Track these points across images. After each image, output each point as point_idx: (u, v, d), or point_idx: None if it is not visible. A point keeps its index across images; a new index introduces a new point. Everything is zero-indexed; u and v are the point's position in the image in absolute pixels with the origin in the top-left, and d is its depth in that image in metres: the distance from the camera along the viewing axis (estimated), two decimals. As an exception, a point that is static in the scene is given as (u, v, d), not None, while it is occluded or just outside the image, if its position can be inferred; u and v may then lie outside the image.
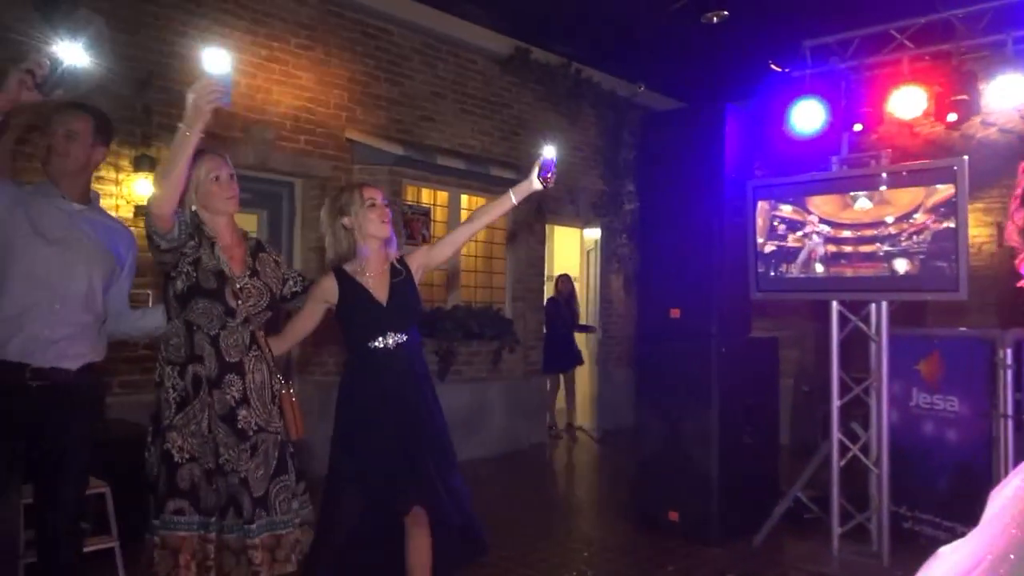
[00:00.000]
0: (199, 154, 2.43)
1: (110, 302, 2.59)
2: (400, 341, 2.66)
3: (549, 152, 2.67)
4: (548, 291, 7.77)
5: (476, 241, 6.86)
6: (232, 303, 2.36)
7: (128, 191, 4.59)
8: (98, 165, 2.68)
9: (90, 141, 2.47)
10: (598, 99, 7.72)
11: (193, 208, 2.41)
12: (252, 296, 2.43)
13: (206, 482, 2.31)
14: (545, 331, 7.38)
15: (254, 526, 2.31)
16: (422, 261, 2.84)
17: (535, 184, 2.67)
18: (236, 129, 5.11)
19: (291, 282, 2.65)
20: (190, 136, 2.07)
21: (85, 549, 3.21)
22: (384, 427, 2.59)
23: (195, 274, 2.34)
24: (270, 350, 2.50)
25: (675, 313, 4.38)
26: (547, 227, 7.58)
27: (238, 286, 2.40)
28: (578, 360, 7.68)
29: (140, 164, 4.57)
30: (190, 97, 2.03)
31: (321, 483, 2.63)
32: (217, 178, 2.41)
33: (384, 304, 2.67)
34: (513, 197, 2.73)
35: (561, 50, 7.15)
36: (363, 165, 5.81)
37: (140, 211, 4.58)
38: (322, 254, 5.45)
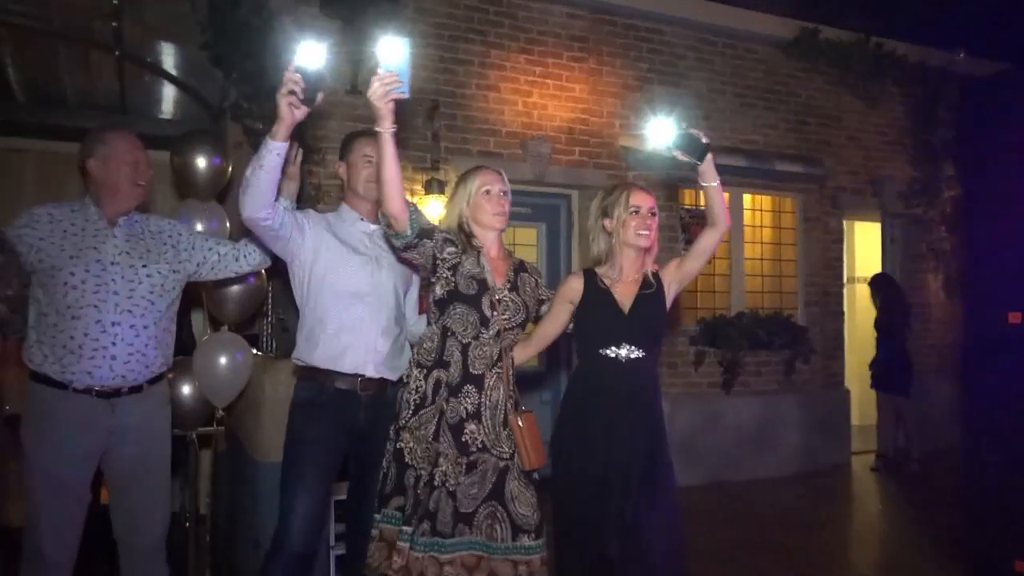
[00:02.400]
0: (477, 169, 2.53)
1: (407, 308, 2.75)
2: (635, 356, 2.50)
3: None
4: (848, 294, 6.96)
5: (761, 242, 6.41)
6: (488, 312, 2.38)
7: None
8: None
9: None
10: (904, 74, 6.77)
11: (463, 219, 2.47)
12: (508, 309, 2.43)
13: (415, 488, 2.34)
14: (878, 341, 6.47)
15: (449, 541, 2.29)
16: (675, 277, 2.66)
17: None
18: (515, 146, 5.31)
19: (549, 303, 2.63)
20: (381, 133, 2.14)
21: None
22: (599, 456, 2.47)
23: (454, 279, 2.38)
24: (513, 373, 2.47)
25: (1015, 318, 3.61)
26: (843, 223, 6.80)
27: (496, 297, 2.41)
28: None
29: (430, 187, 4.92)
30: (369, 95, 2.08)
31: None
32: (488, 192, 2.46)
33: (625, 312, 2.54)
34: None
35: (857, 24, 6.39)
36: (638, 172, 5.70)
37: (431, 230, 4.93)
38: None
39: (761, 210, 6.50)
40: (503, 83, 5.34)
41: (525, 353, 2.64)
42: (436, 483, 2.30)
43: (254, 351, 3.46)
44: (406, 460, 2.36)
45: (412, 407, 2.38)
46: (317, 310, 2.53)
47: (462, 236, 2.45)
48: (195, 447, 3.45)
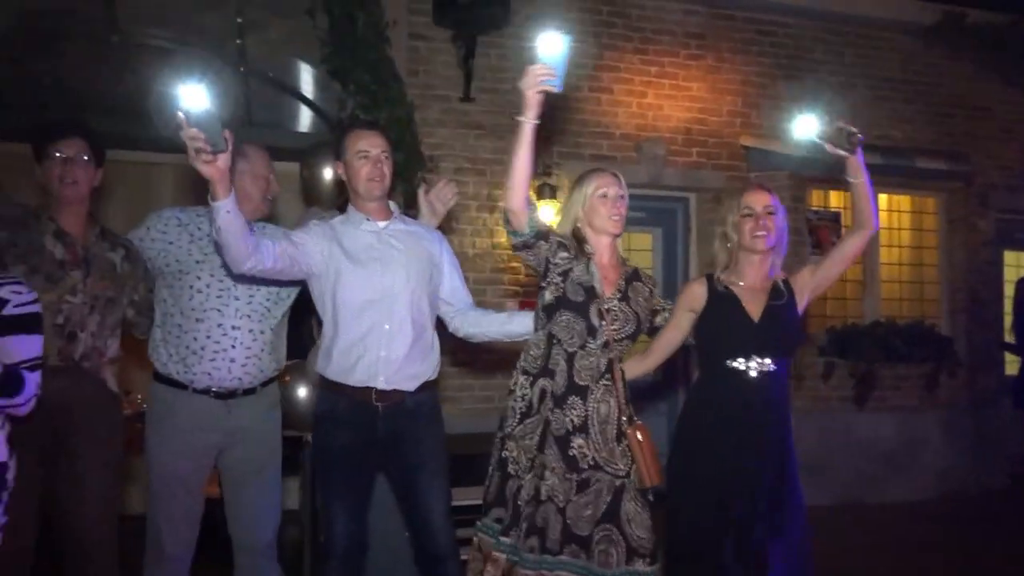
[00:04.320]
0: (593, 172, 2.45)
1: (448, 300, 2.59)
2: (766, 369, 2.34)
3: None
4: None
5: (899, 246, 5.96)
6: (595, 321, 2.29)
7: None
8: None
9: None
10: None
11: (578, 224, 2.39)
12: (618, 320, 2.33)
13: (515, 499, 2.26)
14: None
15: (553, 560, 2.19)
16: (808, 284, 2.48)
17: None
18: (629, 149, 5.18)
19: (664, 314, 2.51)
20: (523, 126, 2.10)
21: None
22: (724, 475, 2.33)
23: (563, 285, 2.31)
24: (624, 386, 2.35)
25: None
26: (995, 223, 6.19)
27: (605, 306, 2.31)
28: None
29: (542, 192, 4.86)
30: (522, 85, 2.07)
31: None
32: (605, 195, 2.38)
33: (755, 321, 2.37)
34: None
35: (1013, 4, 5.82)
36: (760, 172, 5.42)
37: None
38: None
39: (899, 211, 6.05)
40: (617, 84, 5.21)
41: (643, 366, 2.52)
42: (543, 497, 2.22)
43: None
44: (509, 470, 2.28)
45: (518, 415, 2.31)
46: (330, 323, 2.45)
47: (574, 242, 2.37)
48: (310, 448, 3.53)
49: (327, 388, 2.46)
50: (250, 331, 2.55)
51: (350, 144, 2.45)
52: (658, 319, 2.50)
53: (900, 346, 5.53)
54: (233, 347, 2.51)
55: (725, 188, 5.39)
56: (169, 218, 2.59)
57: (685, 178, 5.37)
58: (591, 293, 2.30)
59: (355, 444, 2.40)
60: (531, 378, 2.33)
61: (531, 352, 2.36)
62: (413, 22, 4.72)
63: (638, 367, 2.49)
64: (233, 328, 2.52)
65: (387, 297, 2.40)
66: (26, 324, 1.90)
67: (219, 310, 2.51)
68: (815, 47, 5.68)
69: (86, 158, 2.42)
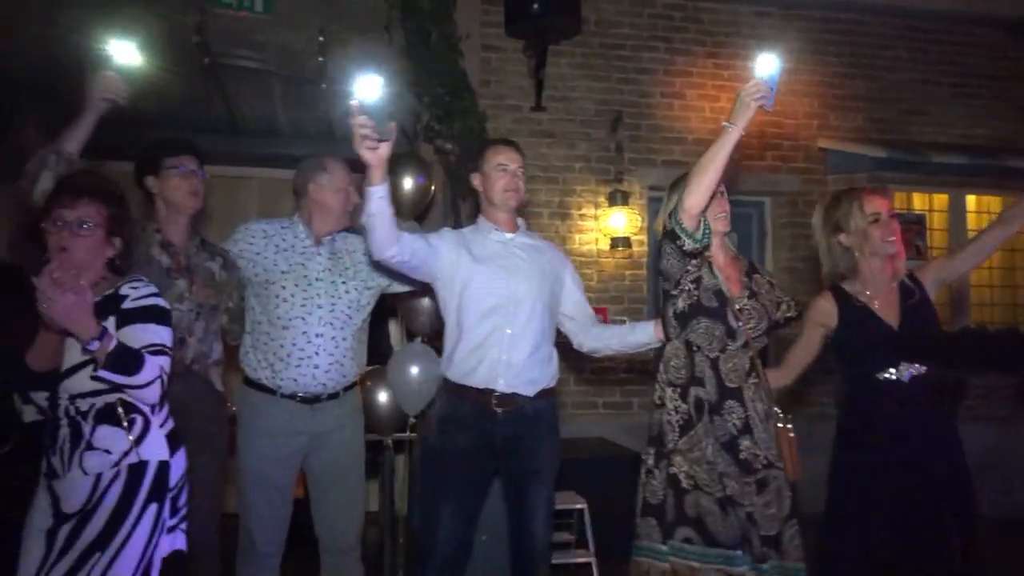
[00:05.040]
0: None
1: (571, 317, 2.66)
2: (917, 373, 2.29)
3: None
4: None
5: (989, 249, 5.69)
6: (733, 324, 2.30)
7: (604, 225, 4.93)
8: None
9: None
10: None
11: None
12: (752, 318, 2.34)
13: (721, 512, 2.23)
14: None
15: (767, 566, 2.19)
16: (936, 277, 2.43)
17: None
18: (702, 154, 5.10)
19: (784, 306, 2.49)
20: (731, 132, 2.12)
21: (566, 561, 3.48)
22: (896, 483, 2.26)
23: (697, 292, 2.32)
24: (767, 379, 2.36)
25: None
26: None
27: (738, 307, 2.32)
28: None
29: (614, 199, 4.87)
30: (740, 94, 2.11)
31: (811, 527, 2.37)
32: (722, 193, 2.41)
33: (896, 328, 2.33)
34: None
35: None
36: (838, 175, 5.28)
37: (615, 243, 4.88)
38: (795, 275, 5.13)
39: (988, 212, 5.78)
40: (689, 89, 5.18)
41: (780, 380, 2.50)
42: (735, 502, 2.22)
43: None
44: (684, 485, 2.26)
45: (678, 429, 2.29)
46: (455, 326, 2.52)
47: None
48: (391, 452, 3.63)
49: (449, 391, 2.53)
50: (332, 338, 2.64)
51: (489, 157, 2.58)
52: (781, 310, 2.48)
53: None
54: (317, 354, 2.61)
55: (801, 192, 5.29)
56: (256, 230, 2.71)
57: (760, 182, 5.29)
58: (721, 296, 2.32)
59: (473, 448, 2.46)
60: (679, 389, 2.32)
61: (672, 363, 2.35)
62: (485, 34, 4.81)
63: (779, 380, 2.47)
64: (317, 336, 2.61)
65: (511, 303, 2.48)
66: (147, 314, 1.96)
67: (303, 318, 2.61)
68: (895, 44, 5.52)
69: (200, 172, 2.59)
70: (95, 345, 1.79)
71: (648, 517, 2.31)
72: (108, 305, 1.94)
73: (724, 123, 2.14)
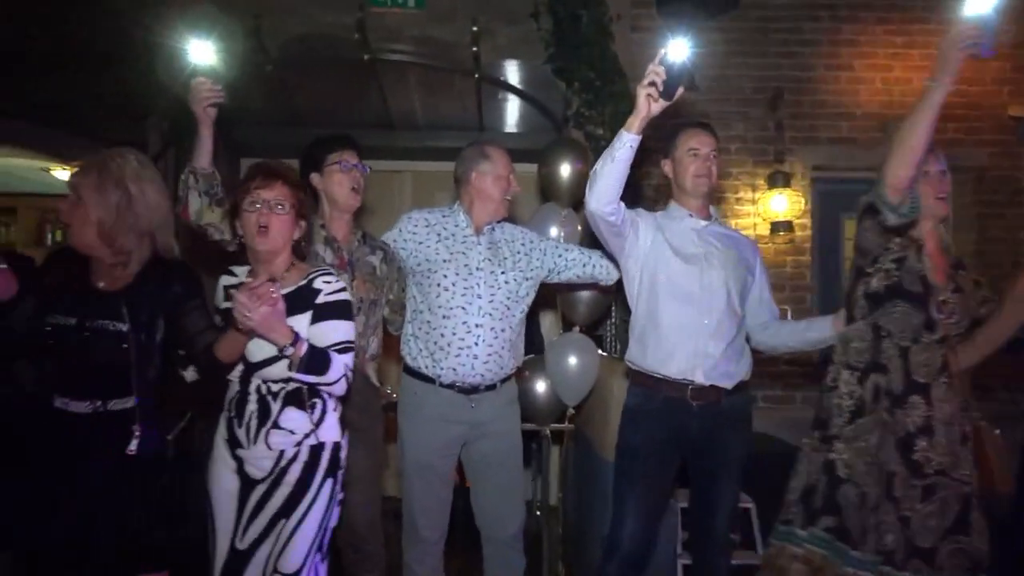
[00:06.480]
0: None
1: (754, 312, 2.57)
2: None
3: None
4: None
5: None
6: (935, 315, 2.11)
7: (764, 209, 4.66)
8: None
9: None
10: None
11: None
12: (955, 313, 2.15)
13: (859, 508, 2.07)
14: None
15: (900, 574, 2.01)
16: None
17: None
18: (873, 129, 4.74)
19: (990, 305, 2.31)
20: (935, 90, 1.92)
21: (732, 562, 3.32)
22: None
23: (898, 274, 2.13)
24: (959, 381, 2.15)
25: None
26: None
27: (941, 298, 2.13)
28: None
29: (774, 181, 4.60)
30: (943, 45, 1.91)
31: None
32: (926, 173, 2.21)
33: None
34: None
35: None
36: (1034, 145, 4.73)
37: (776, 228, 4.61)
38: (983, 259, 4.63)
39: None
40: (857, 60, 4.79)
41: (971, 355, 2.29)
42: (884, 503, 2.06)
43: (600, 352, 3.51)
44: (839, 474, 2.12)
45: (847, 414, 2.15)
46: (647, 311, 2.45)
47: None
48: (547, 442, 3.61)
49: (640, 382, 2.48)
50: (492, 329, 2.63)
51: (682, 142, 2.52)
52: (982, 309, 2.29)
53: None
54: (476, 344, 2.61)
55: (988, 166, 4.77)
56: (418, 219, 2.74)
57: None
58: (926, 283, 2.13)
59: (664, 441, 2.41)
60: (858, 373, 2.16)
61: (853, 344, 2.20)
62: (635, 15, 4.66)
63: (972, 355, 2.27)
64: (477, 326, 2.61)
65: (707, 292, 2.41)
66: (338, 310, 2.08)
67: (464, 307, 2.61)
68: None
69: (361, 167, 2.65)
70: (289, 351, 1.92)
71: (795, 500, 2.19)
72: (301, 298, 2.05)
73: (925, 80, 1.94)
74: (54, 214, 6.59)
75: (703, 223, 2.53)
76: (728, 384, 2.39)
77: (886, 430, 2.08)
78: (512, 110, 5.03)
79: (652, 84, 2.06)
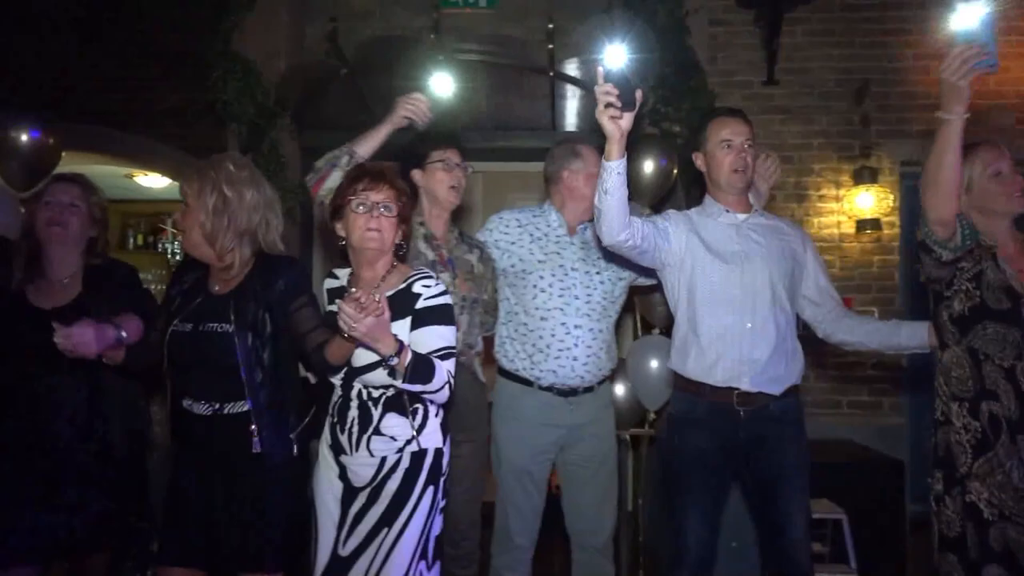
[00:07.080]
0: (972, 147, 2.08)
1: (815, 302, 2.40)
2: None
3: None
4: None
5: None
6: None
7: (849, 206, 4.47)
8: None
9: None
10: None
11: (963, 212, 2.07)
12: None
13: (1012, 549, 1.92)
14: None
15: None
16: None
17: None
18: (968, 121, 4.48)
19: None
20: (949, 123, 1.83)
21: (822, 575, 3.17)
22: None
23: (978, 292, 2.00)
24: None
25: None
26: None
27: None
28: None
29: (860, 177, 4.41)
30: (943, 76, 1.78)
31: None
32: (998, 173, 2.06)
33: None
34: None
35: None
36: None
37: (862, 226, 4.42)
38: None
39: None
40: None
41: None
42: None
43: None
44: (986, 516, 1.97)
45: (970, 450, 2.01)
46: (688, 317, 2.32)
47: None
48: (627, 447, 3.52)
49: (684, 388, 2.37)
50: (590, 330, 2.57)
51: (712, 133, 2.35)
52: None
53: None
54: (576, 345, 2.55)
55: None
56: (509, 220, 2.69)
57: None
58: (1013, 295, 1.98)
59: (712, 448, 2.29)
60: (967, 404, 2.03)
61: (953, 374, 2.06)
62: (712, 8, 4.52)
63: None
64: (575, 327, 2.55)
65: (749, 294, 2.27)
66: (438, 315, 2.03)
67: (561, 309, 2.56)
68: None
69: (464, 165, 2.61)
70: (394, 360, 1.87)
71: (947, 553, 2.02)
72: (401, 302, 2.02)
73: (937, 113, 1.82)
74: (136, 218, 6.83)
75: (742, 217, 2.37)
76: (776, 390, 2.26)
77: (1019, 458, 1.94)
78: (585, 108, 4.95)
79: (608, 105, 1.88)
